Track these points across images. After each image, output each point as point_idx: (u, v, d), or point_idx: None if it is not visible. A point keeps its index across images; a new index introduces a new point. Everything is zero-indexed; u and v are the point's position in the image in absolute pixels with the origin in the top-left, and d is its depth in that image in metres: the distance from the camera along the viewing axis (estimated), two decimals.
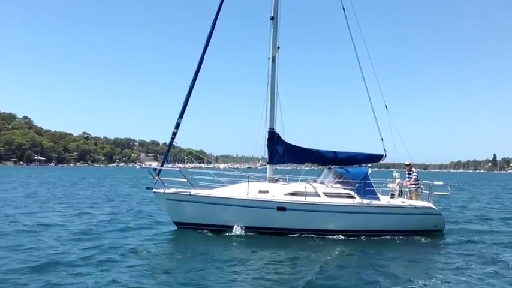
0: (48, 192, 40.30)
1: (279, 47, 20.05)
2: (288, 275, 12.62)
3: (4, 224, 19.53)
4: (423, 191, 20.19)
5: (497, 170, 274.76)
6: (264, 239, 17.57)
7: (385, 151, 20.65)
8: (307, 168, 21.81)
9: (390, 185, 20.30)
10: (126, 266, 13.01)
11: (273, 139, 20.18)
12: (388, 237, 18.34)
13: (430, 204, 19.28)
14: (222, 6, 19.69)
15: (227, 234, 17.99)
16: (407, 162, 20.69)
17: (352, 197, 18.66)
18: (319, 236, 18.04)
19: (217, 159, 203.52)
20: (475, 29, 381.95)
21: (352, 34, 20.53)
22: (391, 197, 19.86)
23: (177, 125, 19.26)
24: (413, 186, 20.01)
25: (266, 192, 18.62)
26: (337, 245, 16.89)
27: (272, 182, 19.89)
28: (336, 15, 21.03)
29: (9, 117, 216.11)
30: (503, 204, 37.15)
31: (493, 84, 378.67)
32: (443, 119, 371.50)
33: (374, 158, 20.98)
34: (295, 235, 18.12)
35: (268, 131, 20.26)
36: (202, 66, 19.47)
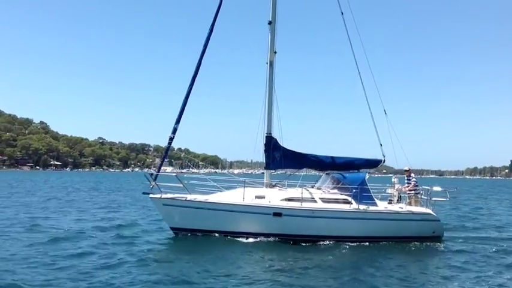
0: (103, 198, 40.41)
1: (275, 52, 20.00)
2: (284, 281, 12.52)
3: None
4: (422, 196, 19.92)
5: None
6: (260, 245, 17.48)
7: (384, 156, 20.44)
8: (307, 173, 21.70)
9: (389, 191, 20.07)
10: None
11: (270, 144, 20.08)
12: (386, 243, 18.16)
13: (429, 210, 19.03)
14: (220, 9, 19.75)
15: (223, 239, 17.93)
16: (406, 168, 20.49)
17: (349, 202, 18.49)
18: (316, 242, 17.91)
19: (231, 165, 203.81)
20: (477, 32, 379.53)
21: (350, 38, 20.45)
22: (388, 203, 19.64)
23: (174, 130, 19.23)
24: (412, 191, 19.77)
25: (262, 197, 18.53)
26: (333, 251, 16.79)
27: (269, 187, 19.78)
28: (334, 19, 20.87)
29: (26, 122, 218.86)
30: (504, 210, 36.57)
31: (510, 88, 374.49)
32: (459, 125, 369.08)
33: (372, 163, 20.80)
34: (291, 241, 17.98)
35: (266, 136, 20.16)
36: (199, 70, 19.49)
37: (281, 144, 20.21)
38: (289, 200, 18.45)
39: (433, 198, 19.56)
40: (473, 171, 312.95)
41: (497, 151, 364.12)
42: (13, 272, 12.46)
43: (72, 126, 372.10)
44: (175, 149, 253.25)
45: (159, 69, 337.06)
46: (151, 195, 18.88)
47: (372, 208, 18.50)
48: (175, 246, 17.85)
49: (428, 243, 18.40)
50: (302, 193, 18.50)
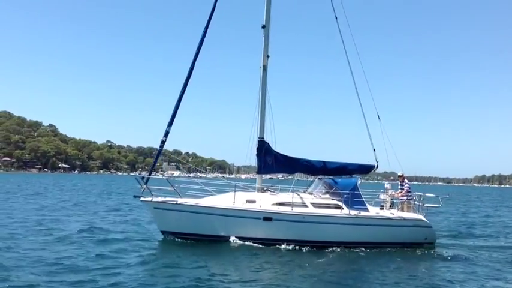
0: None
1: (268, 56, 19.98)
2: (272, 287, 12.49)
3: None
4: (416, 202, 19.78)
5: None
6: (250, 249, 17.41)
7: (377, 162, 20.32)
8: (301, 178, 21.63)
9: (381, 196, 19.95)
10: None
11: (262, 148, 20.03)
12: (377, 249, 18.06)
13: (421, 217, 18.89)
14: (214, 12, 19.75)
15: (212, 244, 17.84)
16: (400, 173, 20.36)
17: (340, 207, 18.41)
18: (306, 247, 17.83)
19: (239, 170, 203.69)
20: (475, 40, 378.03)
21: (344, 43, 20.39)
22: (380, 209, 19.52)
23: (166, 133, 19.24)
24: (405, 197, 19.63)
25: (253, 202, 18.47)
26: (323, 257, 16.71)
27: (261, 191, 19.71)
28: (328, 24, 20.81)
29: (35, 125, 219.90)
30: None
31: None
32: (467, 132, 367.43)
33: (365, 169, 20.68)
34: (282, 246, 17.92)
35: (258, 140, 20.11)
36: (192, 74, 19.48)
37: (273, 149, 20.14)
38: (280, 204, 18.38)
39: (426, 205, 19.41)
40: (482, 179, 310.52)
41: (505, 159, 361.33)
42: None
43: (81, 129, 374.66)
44: (183, 153, 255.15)
45: (167, 73, 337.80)
46: (142, 199, 18.87)
47: (363, 213, 18.41)
48: (163, 250, 17.76)
49: (420, 250, 18.27)
50: (293, 198, 18.43)
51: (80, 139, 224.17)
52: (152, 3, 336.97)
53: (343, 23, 20.47)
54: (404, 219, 18.69)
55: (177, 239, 18.51)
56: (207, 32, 19.54)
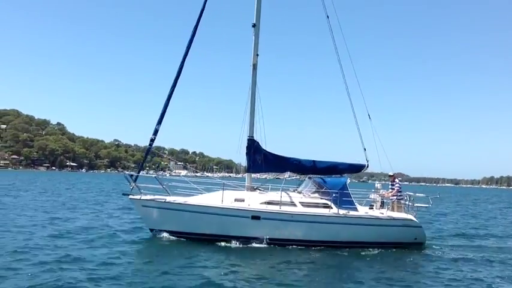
0: None
1: (257, 55, 19.90)
2: (258, 286, 12.43)
3: None
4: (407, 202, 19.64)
5: None
6: (237, 248, 17.39)
7: (368, 161, 20.20)
8: (294, 178, 21.58)
9: (371, 196, 19.83)
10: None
11: (252, 147, 19.95)
12: (366, 249, 17.92)
13: (410, 216, 18.76)
14: (204, 11, 19.72)
15: (200, 242, 17.79)
16: (390, 173, 20.24)
17: (329, 207, 18.31)
18: (294, 246, 17.77)
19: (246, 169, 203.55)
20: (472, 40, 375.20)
21: (336, 42, 20.29)
22: (370, 208, 19.40)
23: (155, 132, 19.24)
24: (395, 197, 19.50)
25: (242, 200, 18.40)
26: (311, 256, 16.68)
27: (250, 190, 19.64)
28: (320, 23, 20.72)
29: (44, 123, 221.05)
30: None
31: None
32: (475, 133, 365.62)
33: (356, 168, 20.59)
34: (270, 245, 17.82)
35: (248, 139, 20.03)
36: (182, 72, 19.48)
37: (263, 148, 20.06)
38: (268, 203, 18.30)
39: (415, 204, 19.28)
40: (490, 180, 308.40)
41: None
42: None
43: (89, 128, 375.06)
44: (190, 153, 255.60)
45: (173, 73, 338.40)
46: (130, 196, 18.86)
47: (351, 213, 18.31)
48: (150, 248, 17.70)
49: (409, 250, 18.15)
50: (281, 197, 18.35)
51: (87, 138, 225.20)
52: (163, 5, 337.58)
53: (335, 22, 20.37)
54: (394, 218, 18.57)
55: (164, 237, 18.45)
56: (197, 30, 19.53)
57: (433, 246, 19.23)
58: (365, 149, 20.14)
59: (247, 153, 20.04)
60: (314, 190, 19.39)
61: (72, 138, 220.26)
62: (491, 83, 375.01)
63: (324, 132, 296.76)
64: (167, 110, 19.33)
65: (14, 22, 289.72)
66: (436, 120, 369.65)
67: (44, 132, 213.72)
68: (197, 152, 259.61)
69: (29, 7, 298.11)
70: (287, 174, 21.02)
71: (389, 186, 20.03)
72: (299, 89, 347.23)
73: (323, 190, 18.94)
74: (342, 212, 18.15)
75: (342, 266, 15.48)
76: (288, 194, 18.99)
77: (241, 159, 20.46)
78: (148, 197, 18.64)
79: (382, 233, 18.42)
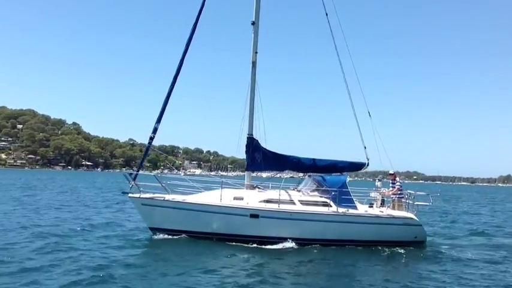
0: None
1: (256, 52, 19.82)
2: (258, 286, 12.35)
3: None
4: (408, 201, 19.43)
5: None
6: (236, 247, 17.33)
7: (368, 159, 20.01)
8: (293, 176, 21.49)
9: (372, 194, 19.66)
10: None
11: (251, 145, 19.89)
12: (366, 247, 17.79)
13: (410, 215, 18.57)
14: (203, 10, 19.67)
15: (199, 241, 17.78)
16: (391, 171, 20.03)
17: (329, 205, 18.17)
18: (293, 245, 17.65)
19: None
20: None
21: (336, 40, 20.13)
22: (369, 206, 19.24)
23: (154, 130, 19.20)
24: (396, 195, 19.30)
25: (241, 199, 18.34)
26: (310, 255, 16.57)
27: (250, 188, 19.58)
28: (320, 20, 20.60)
29: (59, 123, 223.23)
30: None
31: None
32: (492, 131, 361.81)
33: (356, 166, 20.43)
34: (269, 243, 17.69)
35: (247, 137, 19.97)
36: (181, 71, 19.45)
37: (263, 146, 19.99)
38: (267, 201, 18.22)
39: (416, 203, 19.08)
40: (507, 179, 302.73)
41: None
42: None
43: (104, 127, 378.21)
44: (205, 152, 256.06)
45: (187, 73, 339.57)
46: (130, 195, 18.88)
47: (351, 211, 18.16)
48: (150, 247, 17.67)
49: (410, 248, 17.94)
50: (280, 195, 18.26)
51: (102, 137, 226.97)
52: (174, 5, 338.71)
53: (334, 19, 20.22)
54: (394, 217, 18.39)
55: (164, 236, 18.43)
56: (196, 28, 19.50)
57: (435, 245, 19.02)
58: (365, 147, 19.98)
59: (246, 152, 19.99)
60: (313, 188, 19.29)
61: (88, 137, 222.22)
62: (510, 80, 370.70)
63: (325, 130, 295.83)
64: (166, 108, 19.28)
65: (31, 24, 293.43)
66: (452, 119, 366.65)
67: (59, 132, 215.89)
68: (211, 151, 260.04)
69: (44, 8, 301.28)
70: (286, 173, 20.90)
71: (390, 185, 19.84)
72: (299, 87, 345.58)
73: (322, 188, 18.82)
74: (341, 210, 18.01)
75: (340, 265, 15.34)
76: (287, 192, 18.89)
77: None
78: (147, 195, 18.65)
79: (381, 232, 18.25)
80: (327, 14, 20.19)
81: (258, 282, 12.52)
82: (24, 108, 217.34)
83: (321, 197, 18.61)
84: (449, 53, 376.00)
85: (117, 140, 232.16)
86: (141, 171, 19.79)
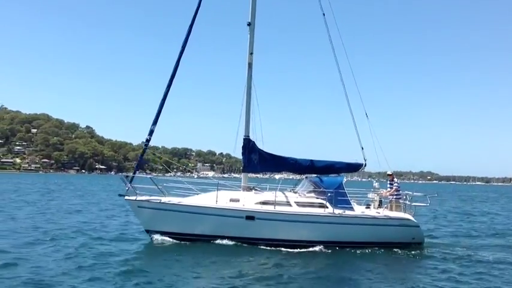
0: None
1: (251, 53, 19.74)
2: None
3: None
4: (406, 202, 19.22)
5: None
6: (232, 249, 17.29)
7: (365, 160, 19.87)
8: (293, 178, 21.40)
9: (370, 195, 19.49)
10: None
11: (248, 147, 19.82)
12: (363, 249, 17.62)
13: (408, 216, 18.38)
14: (199, 11, 19.65)
15: (194, 243, 17.75)
16: (389, 172, 19.87)
17: (325, 206, 18.05)
18: (289, 247, 17.51)
19: None
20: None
21: (332, 40, 20.03)
22: (366, 207, 19.07)
23: (151, 132, 19.24)
24: (393, 196, 19.12)
25: (237, 200, 18.27)
26: (305, 256, 16.52)
27: (246, 190, 19.50)
28: (317, 20, 20.49)
29: (73, 127, 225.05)
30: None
31: None
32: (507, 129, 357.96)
33: (353, 167, 20.29)
34: (265, 245, 17.66)
35: (243, 138, 19.91)
36: (177, 72, 19.45)
37: (260, 147, 19.92)
38: (263, 203, 18.14)
39: (413, 204, 18.87)
40: None
41: None
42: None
43: (117, 130, 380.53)
44: (217, 154, 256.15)
45: (200, 76, 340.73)
46: (126, 197, 18.86)
47: (347, 212, 18.02)
48: (145, 249, 17.72)
49: (407, 250, 17.75)
50: (276, 196, 18.15)
51: (116, 140, 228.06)
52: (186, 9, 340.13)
53: (331, 19, 20.13)
54: (391, 218, 18.22)
55: (160, 238, 18.39)
56: (192, 29, 19.49)
57: (432, 246, 18.80)
58: (362, 148, 19.86)
59: (242, 153, 19.95)
60: (310, 190, 19.19)
61: (101, 141, 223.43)
62: None
63: (323, 131, 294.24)
64: (163, 110, 19.26)
65: (45, 28, 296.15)
66: (467, 118, 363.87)
67: (73, 136, 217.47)
68: (224, 153, 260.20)
69: (57, 11, 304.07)
70: (283, 174, 20.81)
71: (388, 185, 19.66)
72: (296, 87, 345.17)
73: (319, 190, 18.70)
74: (337, 211, 17.88)
75: (337, 267, 15.24)
76: (283, 193, 18.79)
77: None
78: (144, 197, 18.63)
79: (378, 233, 18.08)
80: (324, 14, 20.18)
81: (253, 284, 12.48)
82: (38, 113, 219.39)
83: (317, 198, 18.50)
84: (461, 49, 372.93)
85: (130, 143, 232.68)
86: (137, 174, 19.76)
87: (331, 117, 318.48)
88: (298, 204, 18.24)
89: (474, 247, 19.27)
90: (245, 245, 17.66)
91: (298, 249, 17.31)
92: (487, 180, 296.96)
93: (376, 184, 19.85)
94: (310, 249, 17.40)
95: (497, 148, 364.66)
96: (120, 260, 14.75)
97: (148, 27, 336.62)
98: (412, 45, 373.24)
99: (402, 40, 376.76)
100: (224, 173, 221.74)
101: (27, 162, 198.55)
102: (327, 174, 19.75)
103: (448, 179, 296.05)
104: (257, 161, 19.70)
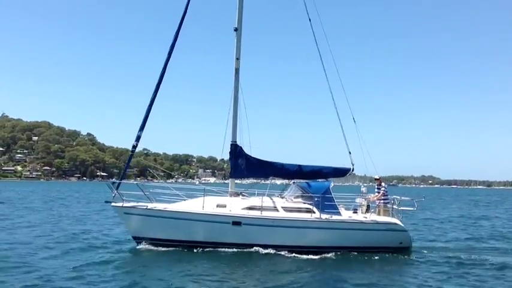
0: None
1: (237, 58, 19.69)
2: None
3: None
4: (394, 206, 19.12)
5: None
6: (219, 255, 17.18)
7: (353, 165, 19.79)
8: (282, 183, 21.33)
9: (358, 200, 19.40)
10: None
11: (235, 152, 19.77)
12: (350, 254, 17.52)
13: (395, 220, 18.29)
14: (185, 18, 19.63)
15: (181, 249, 17.69)
16: (376, 177, 19.82)
17: (312, 211, 17.97)
18: (276, 252, 17.44)
19: None
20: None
21: (318, 45, 20.00)
22: (354, 212, 18.98)
23: (138, 138, 19.10)
24: (381, 201, 19.04)
25: (224, 206, 18.20)
26: (292, 262, 16.43)
27: (234, 196, 19.43)
28: (303, 25, 20.48)
29: (74, 134, 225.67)
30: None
31: None
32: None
33: (341, 172, 20.18)
34: (252, 250, 17.53)
35: (230, 144, 19.86)
36: (164, 77, 19.38)
37: (247, 153, 19.86)
38: (250, 208, 18.08)
39: (400, 208, 18.79)
40: None
41: None
42: None
43: (118, 137, 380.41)
44: (219, 160, 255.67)
45: (200, 82, 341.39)
46: (112, 204, 18.77)
47: (334, 217, 17.92)
48: (132, 256, 17.61)
49: (395, 255, 17.67)
50: (263, 202, 18.08)
51: (117, 147, 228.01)
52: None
53: (318, 25, 20.13)
54: (378, 223, 18.13)
55: (147, 245, 18.30)
56: (179, 35, 19.47)
57: (420, 251, 18.66)
58: (350, 153, 19.78)
59: (230, 159, 19.91)
60: (297, 195, 19.12)
61: (102, 148, 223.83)
62: None
63: (313, 136, 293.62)
64: (149, 115, 19.19)
65: (45, 35, 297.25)
66: (468, 121, 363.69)
67: (74, 143, 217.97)
68: (225, 159, 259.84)
69: (57, 18, 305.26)
70: (270, 179, 20.70)
71: (376, 190, 19.58)
72: (284, 92, 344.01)
73: (306, 195, 18.62)
74: (324, 216, 17.79)
75: (323, 272, 15.12)
76: (270, 199, 18.71)
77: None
78: (130, 204, 18.55)
79: (365, 238, 17.98)
80: (310, 20, 20.14)
81: None
82: (39, 121, 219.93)
83: (304, 203, 18.43)
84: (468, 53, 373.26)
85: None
86: (124, 181, 19.70)
87: (320, 122, 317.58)
88: (285, 209, 18.17)
89: (464, 251, 19.15)
90: (232, 250, 17.55)
91: (285, 255, 17.22)
92: (489, 184, 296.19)
93: (363, 189, 19.78)
94: (297, 254, 17.27)
95: (499, 152, 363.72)
96: (103, 267, 14.70)
97: (149, 34, 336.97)
98: (414, 49, 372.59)
99: (406, 44, 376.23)
100: (225, 178, 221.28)
101: (29, 170, 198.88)
102: (314, 179, 19.69)
103: (449, 183, 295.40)
104: (244, 166, 19.64)
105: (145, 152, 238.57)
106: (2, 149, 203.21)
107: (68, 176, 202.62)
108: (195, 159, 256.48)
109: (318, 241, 17.77)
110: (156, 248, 17.93)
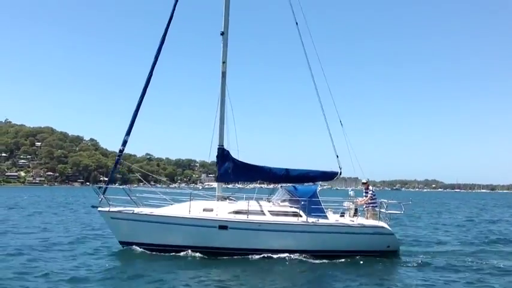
0: None
1: (224, 62, 19.65)
2: None
3: None
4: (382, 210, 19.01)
5: None
6: (205, 259, 17.12)
7: (340, 168, 19.68)
8: (270, 187, 21.28)
9: (345, 204, 19.31)
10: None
11: (222, 156, 19.71)
12: (337, 258, 17.38)
13: (382, 224, 18.19)
14: (172, 21, 19.61)
15: (169, 254, 17.60)
16: (364, 180, 19.71)
17: (298, 215, 17.88)
18: (263, 256, 17.37)
19: None
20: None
21: (305, 49, 19.93)
22: (341, 216, 18.89)
23: (124, 143, 19.10)
24: (369, 204, 18.93)
25: (211, 210, 18.14)
26: (279, 266, 16.39)
27: (221, 200, 19.35)
28: (291, 29, 20.42)
29: (77, 140, 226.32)
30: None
31: None
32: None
33: (328, 176, 20.09)
34: (239, 254, 17.47)
35: (218, 148, 19.80)
36: (150, 82, 19.38)
37: (234, 157, 19.78)
38: (236, 212, 18.00)
39: (388, 211, 18.68)
40: None
41: None
42: None
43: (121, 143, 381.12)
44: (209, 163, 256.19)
45: (202, 88, 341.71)
46: (99, 208, 18.73)
47: (321, 221, 17.84)
48: (118, 261, 17.48)
49: (382, 258, 17.53)
50: (249, 206, 18.01)
51: None
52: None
53: (304, 28, 20.06)
54: (365, 226, 18.02)
55: (134, 250, 18.21)
56: (165, 39, 19.47)
57: (408, 254, 18.60)
58: (337, 156, 19.68)
59: (217, 163, 19.84)
60: (284, 199, 19.03)
61: (105, 153, 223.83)
62: None
63: (301, 140, 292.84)
64: (136, 120, 19.17)
65: (48, 41, 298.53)
66: (470, 125, 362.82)
67: (77, 149, 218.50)
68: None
69: (59, 24, 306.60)
70: (258, 183, 20.68)
71: (363, 194, 19.48)
72: (271, 96, 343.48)
73: (293, 198, 18.54)
74: (311, 220, 17.70)
75: (310, 276, 15.07)
76: (257, 202, 18.64)
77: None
78: (116, 209, 18.50)
79: (352, 241, 17.89)
80: (297, 23, 20.09)
81: None
82: (42, 126, 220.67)
83: (291, 207, 18.35)
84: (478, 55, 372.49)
85: (134, 155, 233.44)
86: (111, 185, 19.64)
87: (308, 126, 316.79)
88: (272, 213, 18.10)
89: (450, 254, 19.12)
90: (219, 254, 17.46)
91: (272, 259, 17.15)
92: (492, 187, 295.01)
93: (351, 192, 19.70)
94: (284, 258, 17.21)
95: (502, 155, 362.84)
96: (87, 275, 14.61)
97: (150, 39, 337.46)
98: (415, 52, 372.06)
99: (408, 46, 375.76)
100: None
101: (32, 176, 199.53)
102: (302, 182, 19.63)
103: (452, 186, 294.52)
104: (231, 170, 19.57)
105: (148, 157, 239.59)
106: (5, 154, 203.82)
107: (71, 181, 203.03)
108: (197, 164, 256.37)
109: (304, 245, 17.69)
110: (142, 253, 17.85)
